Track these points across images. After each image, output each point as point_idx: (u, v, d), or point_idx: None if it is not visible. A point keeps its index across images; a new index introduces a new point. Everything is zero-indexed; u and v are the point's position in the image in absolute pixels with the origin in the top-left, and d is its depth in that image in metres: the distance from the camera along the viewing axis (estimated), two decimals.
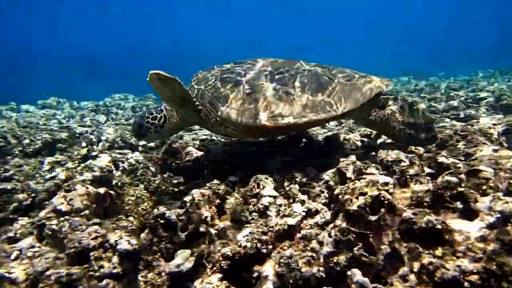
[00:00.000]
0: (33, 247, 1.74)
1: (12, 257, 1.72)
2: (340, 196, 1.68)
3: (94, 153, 3.84)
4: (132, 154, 3.70)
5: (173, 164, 3.05)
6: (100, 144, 4.05)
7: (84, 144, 4.05)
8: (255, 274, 1.62)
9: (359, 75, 2.34)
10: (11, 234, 1.93)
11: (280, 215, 1.85)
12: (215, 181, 2.15)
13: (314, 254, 1.56)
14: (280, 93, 2.11)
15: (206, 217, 1.81)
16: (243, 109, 2.10)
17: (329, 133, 3.10)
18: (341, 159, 1.99)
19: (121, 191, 2.52)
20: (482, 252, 1.22)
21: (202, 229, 1.75)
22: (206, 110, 2.23)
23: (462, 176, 1.55)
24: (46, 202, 2.38)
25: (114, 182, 2.82)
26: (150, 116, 2.41)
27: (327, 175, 1.98)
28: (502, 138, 2.30)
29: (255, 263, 1.66)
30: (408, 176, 1.74)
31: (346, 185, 1.69)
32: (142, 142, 3.97)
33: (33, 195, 2.47)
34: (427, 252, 1.31)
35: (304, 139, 2.72)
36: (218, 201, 1.99)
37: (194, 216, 1.76)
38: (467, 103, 5.06)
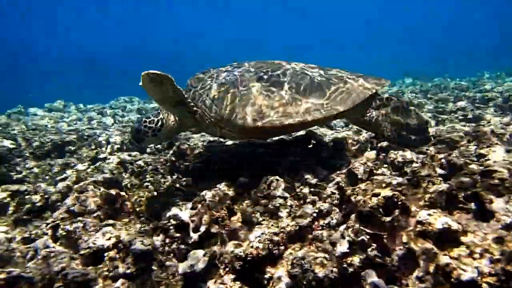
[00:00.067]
0: (48, 247, 1.76)
1: (28, 257, 1.75)
2: (352, 197, 1.67)
3: (103, 155, 3.88)
4: (140, 156, 3.74)
5: (182, 165, 3.08)
6: (109, 146, 4.09)
7: (93, 146, 4.10)
8: (267, 275, 1.62)
9: (354, 75, 2.34)
10: (26, 235, 1.96)
11: (292, 216, 1.85)
12: (225, 182, 2.16)
13: (326, 255, 1.56)
14: (275, 95, 2.12)
15: (217, 218, 1.82)
16: (238, 110, 2.11)
17: (338, 134, 3.10)
18: (352, 160, 1.99)
19: (130, 193, 2.54)
20: (500, 254, 1.21)
21: (214, 230, 1.76)
22: (201, 112, 2.24)
23: (477, 176, 1.54)
24: (58, 204, 2.42)
25: (123, 183, 2.85)
26: (147, 120, 2.43)
27: (338, 176, 1.98)
28: None
29: (267, 264, 1.66)
30: (420, 177, 1.73)
31: (358, 186, 1.69)
32: (154, 143, 4.00)
33: (46, 196, 2.51)
34: (442, 253, 1.30)
35: (312, 140, 2.72)
36: (228, 202, 2.00)
37: (206, 217, 1.77)
38: (475, 103, 5.01)
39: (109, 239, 1.67)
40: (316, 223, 1.85)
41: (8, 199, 2.71)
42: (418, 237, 1.38)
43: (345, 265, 1.46)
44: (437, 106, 5.04)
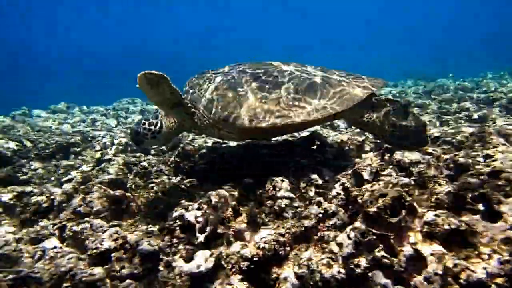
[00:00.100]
0: (55, 247, 1.78)
1: (36, 257, 1.76)
2: (358, 198, 1.67)
3: (107, 157, 3.90)
4: (145, 157, 3.76)
5: (186, 166, 3.09)
6: (114, 147, 4.12)
7: (98, 147, 4.13)
8: (274, 276, 1.63)
9: (352, 76, 2.35)
10: (33, 235, 1.98)
11: (297, 216, 1.85)
12: (230, 183, 2.17)
13: (333, 256, 1.56)
14: (272, 95, 2.13)
15: (223, 218, 1.83)
16: (236, 111, 2.12)
17: (342, 135, 3.10)
18: (357, 161, 1.98)
19: (135, 194, 2.56)
20: (509, 254, 1.20)
21: (220, 230, 1.77)
22: (199, 113, 2.25)
23: (484, 177, 1.53)
24: (64, 205, 2.43)
25: (128, 184, 2.87)
26: (147, 123, 2.44)
27: (343, 177, 1.98)
28: None
29: (273, 264, 1.67)
30: (426, 178, 1.73)
31: (364, 186, 1.69)
32: (154, 146, 4.01)
33: (51, 197, 2.53)
34: (450, 254, 1.29)
35: (317, 141, 2.72)
36: (234, 203, 2.01)
37: (211, 218, 1.78)
38: (479, 104, 4.99)
39: (116, 239, 1.68)
40: (321, 224, 1.85)
41: (15, 200, 2.74)
42: (426, 238, 1.38)
43: (352, 266, 1.46)
44: (441, 107, 5.02)
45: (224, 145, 3.53)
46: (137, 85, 1.93)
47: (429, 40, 40.99)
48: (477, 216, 1.46)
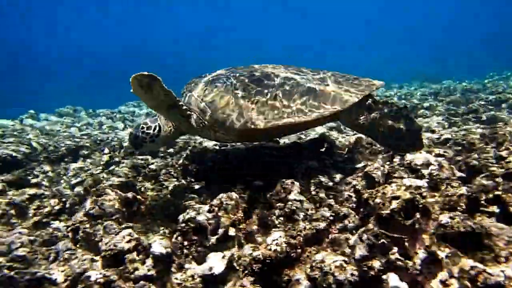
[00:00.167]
0: (69, 249, 1.80)
1: (50, 259, 1.78)
2: (370, 200, 1.67)
3: (116, 159, 3.94)
4: (152, 160, 3.79)
5: (195, 169, 3.11)
6: (122, 150, 4.16)
7: (106, 150, 4.17)
8: (286, 278, 1.63)
9: (348, 77, 2.35)
10: (47, 237, 2.00)
11: (308, 219, 1.85)
12: (240, 185, 2.18)
13: (346, 258, 1.56)
14: (267, 97, 2.14)
15: (234, 220, 1.83)
16: (231, 112, 2.13)
17: (350, 137, 3.09)
18: (368, 163, 1.98)
19: (145, 196, 2.58)
20: None
21: (231, 232, 1.78)
22: (195, 115, 2.26)
23: (499, 179, 1.52)
24: (76, 207, 2.46)
25: (137, 187, 2.89)
26: (145, 127, 2.45)
27: (354, 179, 1.98)
28: None
29: (285, 266, 1.67)
30: (438, 180, 1.72)
31: (376, 189, 1.68)
32: (161, 148, 4.05)
33: (63, 200, 2.57)
34: (466, 257, 1.28)
35: (326, 144, 2.73)
36: (244, 205, 2.02)
37: (223, 220, 1.79)
38: (488, 105, 4.94)
39: (129, 241, 1.70)
40: (333, 226, 1.85)
41: (27, 202, 2.78)
42: (440, 240, 1.37)
43: (365, 268, 1.46)
44: (449, 109, 4.98)
45: (229, 147, 3.55)
46: (131, 90, 1.93)
47: (429, 40, 40.76)
48: (492, 219, 1.45)
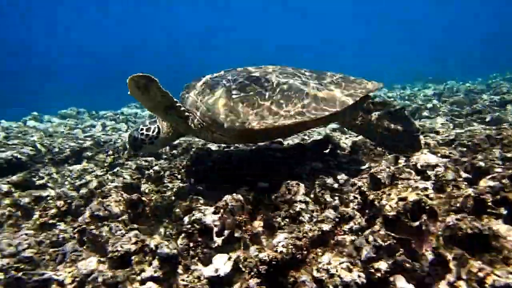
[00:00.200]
0: (75, 251, 1.81)
1: (57, 260, 1.79)
2: (375, 202, 1.67)
3: (120, 161, 3.96)
4: (156, 162, 3.80)
5: (199, 170, 3.12)
6: (126, 151, 4.18)
7: (110, 152, 4.19)
8: (292, 280, 1.62)
9: (345, 78, 2.36)
10: (54, 239, 2.01)
11: (313, 220, 1.85)
12: (245, 187, 2.18)
13: (352, 260, 1.56)
14: (264, 98, 2.15)
15: (240, 222, 1.84)
16: (228, 113, 2.14)
17: (355, 138, 3.09)
18: (373, 164, 1.98)
19: (149, 198, 2.59)
20: None
21: (237, 234, 1.78)
22: (193, 117, 2.27)
23: (505, 180, 1.52)
24: (82, 208, 2.48)
25: (142, 189, 2.90)
26: (144, 128, 2.47)
27: (359, 180, 1.98)
28: None
29: (291, 268, 1.67)
30: (444, 181, 1.71)
31: (382, 190, 1.68)
32: (167, 149, 4.06)
33: (68, 201, 2.58)
34: (474, 258, 1.28)
35: (330, 145, 2.73)
36: (249, 206, 2.02)
37: (229, 222, 1.79)
38: (492, 106, 4.92)
39: (136, 243, 1.70)
40: (338, 228, 1.85)
41: (32, 204, 2.80)
42: (448, 242, 1.37)
43: (372, 270, 1.45)
44: (453, 109, 4.96)
45: (232, 148, 3.55)
46: (129, 92, 1.93)
47: (429, 40, 40.66)
48: (499, 221, 1.45)
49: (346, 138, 3.68)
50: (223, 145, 3.93)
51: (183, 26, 51.88)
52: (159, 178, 3.19)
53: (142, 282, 1.57)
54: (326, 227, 1.80)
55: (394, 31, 46.20)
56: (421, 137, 2.43)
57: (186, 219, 1.89)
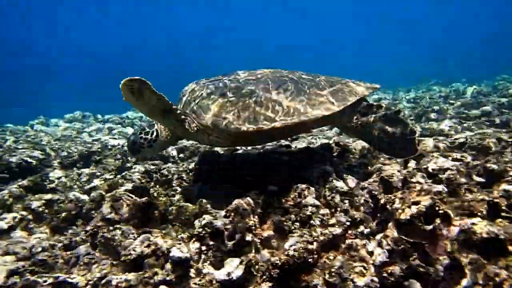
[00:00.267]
0: (89, 254, 1.83)
1: (70, 263, 1.82)
2: (387, 205, 1.66)
3: (128, 164, 4.00)
4: (164, 165, 3.83)
5: (207, 173, 3.13)
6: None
7: (118, 155, 4.24)
8: (304, 284, 1.62)
9: (342, 81, 2.37)
10: (66, 242, 2.04)
11: (324, 224, 1.85)
12: (255, 190, 2.19)
13: (365, 264, 1.55)
14: (260, 100, 2.17)
15: (251, 226, 1.84)
16: (224, 115, 2.15)
17: (364, 142, 3.08)
18: (384, 168, 1.97)
19: (159, 201, 2.61)
20: None
21: (248, 238, 1.78)
22: (190, 119, 2.29)
23: None
24: (92, 212, 2.50)
25: (150, 192, 2.92)
26: (143, 132, 2.48)
27: (369, 184, 1.97)
28: None
29: (302, 272, 1.66)
30: (456, 185, 1.70)
31: (394, 194, 1.68)
32: (174, 153, 4.09)
33: (79, 205, 2.61)
34: (490, 263, 1.27)
35: (338, 148, 2.72)
36: (259, 210, 2.02)
37: (240, 225, 1.80)
38: (501, 108, 4.87)
39: (148, 246, 1.72)
40: (349, 231, 1.84)
41: (43, 207, 2.84)
42: (462, 246, 1.36)
43: (385, 274, 1.45)
44: (460, 112, 4.93)
45: (240, 151, 3.56)
46: (123, 99, 1.91)
47: (429, 40, 40.45)
48: None
49: (354, 141, 3.67)
50: (231, 148, 3.95)
51: (183, 26, 51.74)
52: (168, 182, 3.21)
53: (155, 285, 1.58)
54: (337, 231, 1.79)
55: (394, 31, 46.03)
56: (417, 140, 2.43)
57: (197, 222, 1.91)
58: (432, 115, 5.00)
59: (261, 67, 2.58)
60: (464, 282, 1.27)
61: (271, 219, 2.00)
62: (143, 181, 3.12)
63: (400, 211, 1.51)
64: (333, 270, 1.55)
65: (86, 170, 4.08)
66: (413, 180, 1.79)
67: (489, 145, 2.23)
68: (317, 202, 1.95)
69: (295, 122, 2.08)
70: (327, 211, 1.94)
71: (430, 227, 1.41)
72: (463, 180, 1.71)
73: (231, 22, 51.81)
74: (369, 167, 2.32)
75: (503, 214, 1.49)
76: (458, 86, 9.57)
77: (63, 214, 2.47)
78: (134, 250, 1.70)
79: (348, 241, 1.78)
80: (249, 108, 2.15)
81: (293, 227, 1.90)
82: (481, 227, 1.34)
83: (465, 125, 3.91)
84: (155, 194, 2.88)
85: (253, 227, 1.86)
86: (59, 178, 3.96)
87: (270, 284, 1.58)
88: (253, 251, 1.77)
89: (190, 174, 3.33)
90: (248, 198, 2.04)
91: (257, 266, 1.66)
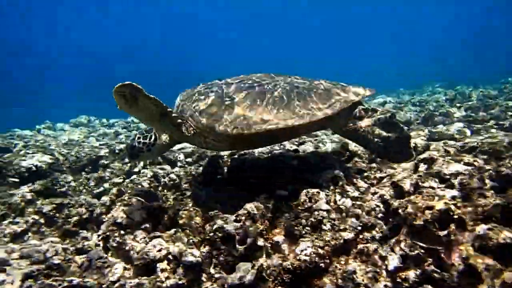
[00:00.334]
0: (101, 257, 1.84)
1: (83, 267, 1.83)
2: (400, 210, 1.66)
3: (136, 169, 4.03)
4: (172, 170, 3.86)
5: (215, 177, 3.15)
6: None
7: (126, 160, 4.27)
8: None
9: (338, 85, 2.39)
10: (78, 246, 2.06)
11: (335, 229, 1.85)
12: (264, 195, 2.19)
13: (377, 269, 1.54)
14: (257, 104, 2.19)
15: (262, 230, 1.85)
16: (221, 118, 2.18)
17: None
18: (394, 172, 1.97)
19: (168, 205, 2.62)
20: None
21: (259, 242, 1.79)
22: (187, 123, 2.31)
23: None
24: (103, 216, 2.53)
25: (159, 196, 2.95)
26: (141, 136, 2.51)
27: (380, 188, 1.97)
28: None
29: (314, 277, 1.66)
30: (469, 190, 1.69)
31: (406, 198, 1.67)
32: (181, 157, 4.12)
33: (90, 209, 2.64)
34: (507, 269, 1.25)
35: (347, 152, 2.72)
36: (269, 215, 2.03)
37: (252, 230, 1.80)
38: (508, 112, 4.83)
39: (160, 250, 1.73)
40: (360, 236, 1.83)
41: (54, 211, 2.87)
42: (478, 252, 1.34)
43: (399, 280, 1.44)
44: (467, 115, 4.89)
45: (247, 156, 3.58)
46: (118, 107, 1.90)
47: (429, 40, 40.25)
48: None
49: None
50: (241, 151, 3.96)
51: (183, 26, 51.73)
52: (176, 186, 3.24)
53: None
54: (348, 235, 1.79)
55: (394, 31, 45.92)
56: (412, 144, 2.44)
57: (207, 227, 1.92)
58: (439, 119, 4.97)
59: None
60: None
61: (281, 224, 2.00)
62: (151, 185, 3.15)
63: (413, 216, 1.50)
64: (345, 275, 1.54)
65: (95, 174, 4.12)
66: (425, 184, 1.78)
67: (500, 149, 2.21)
68: (327, 207, 1.95)
69: (287, 126, 2.11)
70: (338, 215, 1.93)
71: (445, 232, 1.40)
72: (476, 184, 1.69)
73: (231, 22, 51.84)
74: (379, 172, 2.31)
75: None
76: (464, 88, 9.50)
77: (75, 218, 2.49)
78: (146, 255, 1.72)
79: (359, 246, 1.77)
80: (245, 111, 2.17)
81: (303, 232, 1.90)
82: (497, 232, 1.32)
83: (474, 128, 3.88)
84: (164, 198, 2.91)
85: (264, 232, 1.86)
86: (68, 182, 4.01)
87: None
88: (264, 255, 1.77)
89: (198, 178, 3.36)
90: (258, 203, 2.05)
91: (268, 271, 1.66)
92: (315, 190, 2.01)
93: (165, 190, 3.19)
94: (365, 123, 2.29)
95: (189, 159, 4.14)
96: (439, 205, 1.43)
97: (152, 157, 3.14)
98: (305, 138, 4.03)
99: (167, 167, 3.97)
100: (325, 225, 1.88)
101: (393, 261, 1.48)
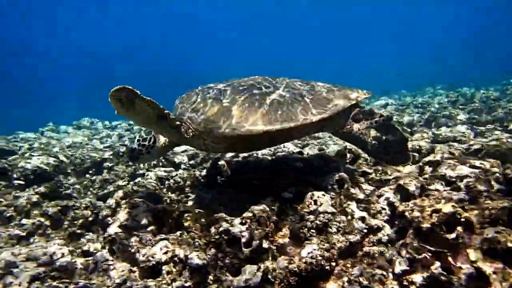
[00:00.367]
0: (107, 260, 1.85)
1: (89, 269, 1.84)
2: (406, 213, 1.65)
3: (140, 172, 4.05)
4: (176, 172, 3.87)
5: (219, 180, 3.15)
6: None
7: (130, 162, 4.29)
8: None
9: (335, 87, 2.40)
10: (84, 248, 2.07)
11: (341, 232, 1.84)
12: (269, 198, 2.20)
13: (384, 272, 1.54)
14: (255, 105, 2.20)
15: (267, 233, 1.85)
16: (219, 120, 2.18)
17: None
18: (400, 175, 1.97)
19: (173, 208, 2.63)
20: None
21: (265, 245, 1.79)
22: (185, 125, 2.32)
23: None
24: (108, 218, 2.54)
25: (164, 199, 2.95)
26: (141, 139, 2.52)
27: (386, 191, 1.96)
28: None
29: (320, 279, 1.66)
30: (476, 192, 1.69)
31: (412, 201, 1.67)
32: (185, 159, 4.13)
33: (95, 211, 2.65)
34: None
35: (351, 154, 2.72)
36: (275, 217, 2.03)
37: (257, 232, 1.80)
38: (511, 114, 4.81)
39: (166, 252, 1.74)
40: (366, 239, 1.83)
41: (59, 213, 2.89)
42: (486, 255, 1.34)
43: (405, 283, 1.43)
44: (471, 118, 4.88)
45: (255, 158, 3.58)
46: (116, 112, 1.88)
47: (429, 40, 40.16)
48: None
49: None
50: (245, 154, 3.97)
51: (183, 26, 51.73)
52: (180, 188, 3.24)
53: None
54: (354, 238, 1.79)
55: (394, 31, 45.83)
56: (410, 146, 2.44)
57: (213, 229, 1.92)
58: (442, 121, 4.96)
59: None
60: None
61: (286, 226, 2.00)
62: (156, 187, 3.16)
63: (420, 219, 1.50)
64: (352, 277, 1.54)
65: (99, 177, 4.14)
66: (432, 187, 1.78)
67: (506, 151, 2.20)
68: (333, 209, 1.95)
69: (283, 128, 2.13)
70: (343, 218, 1.93)
71: (453, 235, 1.39)
72: (482, 187, 1.69)
73: (231, 22, 51.67)
74: (384, 174, 2.31)
75: None
76: (465, 90, 9.47)
77: (80, 221, 2.50)
78: (152, 257, 1.72)
79: (365, 249, 1.77)
80: (243, 113, 2.19)
81: (309, 234, 1.90)
82: (505, 235, 1.32)
83: (477, 130, 3.87)
84: (168, 201, 2.91)
85: (270, 234, 1.86)
86: (73, 184, 4.03)
87: None
88: (270, 258, 1.77)
89: (202, 180, 3.36)
90: (264, 205, 2.05)
91: (274, 273, 1.66)
92: (320, 193, 2.01)
93: (170, 193, 3.19)
94: (361, 125, 2.29)
95: (192, 161, 4.15)
96: (446, 208, 1.42)
97: (152, 159, 3.17)
98: (308, 140, 4.03)
99: (171, 169, 3.99)
100: (330, 227, 1.88)
101: (400, 264, 1.48)
